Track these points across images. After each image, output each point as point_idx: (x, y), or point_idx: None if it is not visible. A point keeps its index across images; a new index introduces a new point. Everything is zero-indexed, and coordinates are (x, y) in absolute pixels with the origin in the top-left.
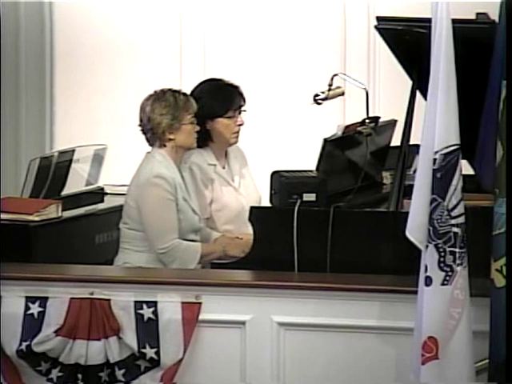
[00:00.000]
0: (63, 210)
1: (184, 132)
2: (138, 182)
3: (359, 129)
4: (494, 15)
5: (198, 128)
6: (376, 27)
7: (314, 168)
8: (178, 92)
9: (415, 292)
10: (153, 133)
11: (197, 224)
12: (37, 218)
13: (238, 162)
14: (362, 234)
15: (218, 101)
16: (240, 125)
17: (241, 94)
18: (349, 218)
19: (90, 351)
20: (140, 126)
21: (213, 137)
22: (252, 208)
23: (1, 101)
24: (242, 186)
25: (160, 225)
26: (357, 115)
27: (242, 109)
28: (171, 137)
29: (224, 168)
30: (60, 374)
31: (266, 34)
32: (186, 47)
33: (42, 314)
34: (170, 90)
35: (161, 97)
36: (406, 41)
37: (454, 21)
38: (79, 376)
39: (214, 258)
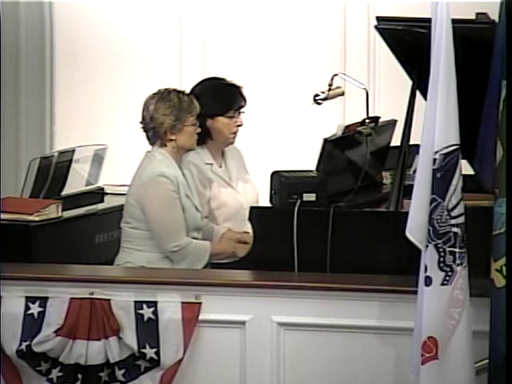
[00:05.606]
0: (63, 210)
1: (186, 133)
2: (140, 181)
3: (359, 129)
4: (494, 15)
5: (199, 130)
6: (376, 27)
7: (314, 168)
8: (183, 93)
9: (415, 292)
10: (154, 132)
11: (199, 221)
12: (37, 218)
13: (235, 161)
14: (361, 234)
15: (220, 99)
16: (239, 125)
17: (242, 95)
18: (349, 217)
19: (90, 351)
20: (142, 123)
21: (212, 135)
22: (252, 208)
23: (1, 101)
24: (240, 185)
25: (169, 224)
26: (357, 115)
27: (242, 110)
28: (172, 137)
29: (221, 167)
30: (60, 373)
31: (266, 34)
32: (185, 47)
33: (41, 314)
34: (174, 90)
35: (165, 97)
36: (406, 41)
37: (454, 21)
38: (79, 376)
39: (222, 258)
